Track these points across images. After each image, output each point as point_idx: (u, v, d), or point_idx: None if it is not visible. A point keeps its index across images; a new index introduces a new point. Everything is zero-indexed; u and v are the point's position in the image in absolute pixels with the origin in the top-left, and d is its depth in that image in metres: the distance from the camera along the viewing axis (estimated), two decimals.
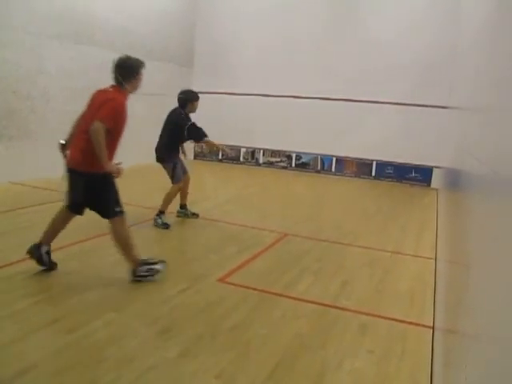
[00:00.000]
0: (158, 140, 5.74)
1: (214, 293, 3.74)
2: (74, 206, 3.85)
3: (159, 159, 5.70)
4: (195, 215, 6.00)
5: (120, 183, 3.82)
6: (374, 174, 10.46)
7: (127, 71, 3.78)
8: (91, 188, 3.66)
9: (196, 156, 12.07)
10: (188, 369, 2.67)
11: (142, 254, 4.41)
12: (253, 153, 11.48)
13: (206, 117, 11.42)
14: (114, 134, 3.62)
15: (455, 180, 3.80)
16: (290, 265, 4.55)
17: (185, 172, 5.86)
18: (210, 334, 3.07)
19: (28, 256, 3.83)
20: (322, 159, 10.85)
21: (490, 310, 1.15)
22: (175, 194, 5.70)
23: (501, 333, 0.97)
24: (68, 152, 3.75)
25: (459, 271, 2.16)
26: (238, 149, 11.58)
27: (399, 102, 9.87)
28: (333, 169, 10.78)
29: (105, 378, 2.54)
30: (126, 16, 9.17)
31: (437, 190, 9.37)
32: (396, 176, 10.28)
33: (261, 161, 11.43)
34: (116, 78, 3.76)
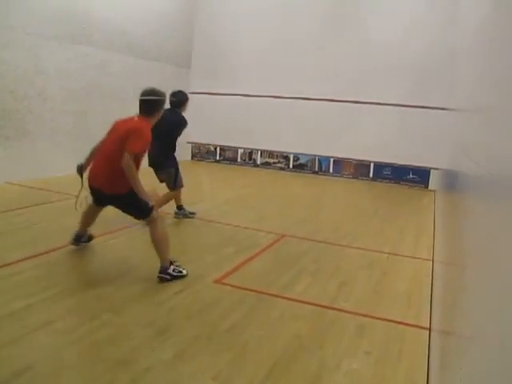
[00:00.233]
0: (155, 147, 5.32)
1: (211, 294, 3.74)
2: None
3: (158, 165, 5.59)
4: (193, 214, 6.01)
5: None
6: (371, 175, 10.47)
7: (155, 106, 4.13)
8: (118, 203, 4.04)
9: (193, 156, 12.07)
10: (185, 370, 2.67)
11: (141, 255, 4.42)
12: (250, 154, 11.48)
13: (203, 117, 11.50)
14: (139, 156, 3.92)
15: (452, 181, 3.81)
16: (287, 266, 4.55)
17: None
18: (206, 336, 3.07)
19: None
20: (319, 160, 10.86)
21: (485, 312, 1.15)
22: (171, 199, 5.70)
23: (496, 334, 0.97)
24: (90, 173, 4.07)
25: (456, 272, 2.16)
26: (235, 149, 11.58)
27: (397, 103, 9.89)
28: (330, 170, 10.79)
29: (101, 380, 2.53)
30: (124, 16, 9.16)
31: (434, 191, 9.39)
32: (394, 177, 10.29)
33: (258, 162, 11.43)
34: (145, 112, 4.05)
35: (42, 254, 4.33)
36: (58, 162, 7.42)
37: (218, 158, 11.82)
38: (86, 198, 4.27)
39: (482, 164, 1.63)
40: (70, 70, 8.12)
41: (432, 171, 9.85)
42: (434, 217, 7.03)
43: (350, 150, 10.45)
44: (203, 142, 11.88)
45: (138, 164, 3.88)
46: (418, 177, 10.11)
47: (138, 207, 3.91)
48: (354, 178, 10.56)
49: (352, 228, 6.32)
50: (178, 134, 5.77)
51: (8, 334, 2.91)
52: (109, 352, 2.80)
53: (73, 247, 4.49)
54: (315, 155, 10.85)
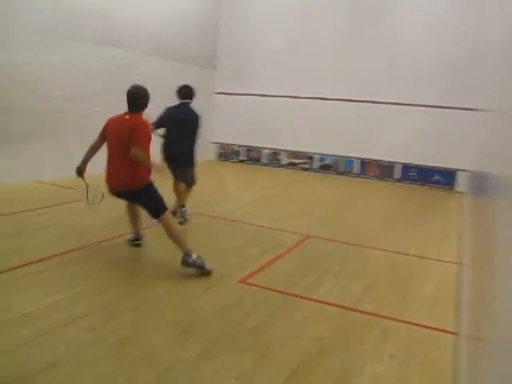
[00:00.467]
0: (176, 143, 5.54)
1: (235, 294, 3.75)
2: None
3: (184, 163, 5.63)
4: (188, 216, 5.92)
5: None
6: (397, 176, 10.35)
7: (146, 101, 4.35)
8: (140, 199, 4.28)
9: (218, 156, 12.12)
10: (208, 369, 2.68)
11: (165, 254, 4.46)
12: (275, 154, 11.47)
13: (228, 118, 11.55)
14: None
15: (481, 183, 3.73)
16: (311, 267, 4.53)
17: None
18: (230, 335, 3.08)
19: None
20: (344, 161, 10.79)
21: None
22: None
23: None
24: (109, 180, 4.27)
25: (486, 277, 2.12)
26: (260, 150, 11.59)
27: (424, 103, 9.76)
28: (356, 171, 10.70)
29: (125, 377, 2.57)
30: (150, 18, 9.29)
31: (461, 193, 9.23)
32: (419, 179, 10.15)
33: (283, 162, 11.41)
34: (137, 107, 4.27)
35: (69, 252, 4.42)
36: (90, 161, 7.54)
37: (242, 158, 11.84)
38: (95, 195, 4.41)
39: None
40: (98, 71, 8.26)
41: (459, 173, 9.69)
42: (461, 219, 6.90)
43: (375, 151, 10.35)
44: (228, 142, 11.93)
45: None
46: (444, 178, 9.95)
47: (155, 203, 4.20)
48: (379, 179, 10.46)
49: (377, 229, 6.25)
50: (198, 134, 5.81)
51: (35, 330, 2.98)
52: (133, 349, 2.83)
53: (97, 245, 4.56)
54: (341, 156, 10.78)
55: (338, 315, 3.52)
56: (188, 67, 10.48)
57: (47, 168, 7.29)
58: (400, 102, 9.93)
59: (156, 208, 4.19)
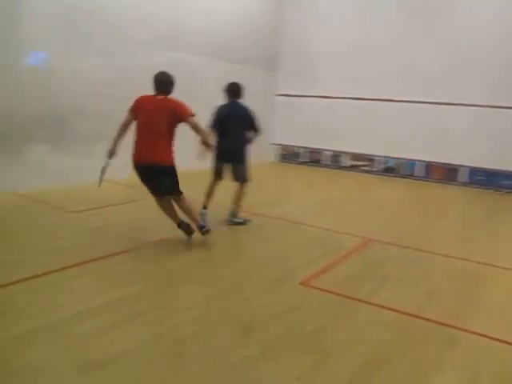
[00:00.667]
0: (227, 140, 5.58)
1: (296, 295, 3.78)
2: (158, 192, 4.78)
3: (237, 160, 5.67)
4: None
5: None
6: (463, 179, 9.97)
7: (172, 86, 4.71)
8: (165, 175, 4.58)
9: (280, 158, 12.17)
10: (268, 369, 2.71)
11: (227, 253, 4.58)
12: (336, 156, 11.38)
13: (289, 119, 11.58)
14: None
15: None
16: (372, 271, 4.48)
17: None
18: (291, 336, 3.11)
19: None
20: (408, 163, 10.52)
21: None
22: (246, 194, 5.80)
23: None
24: (138, 154, 4.58)
25: None
26: (321, 151, 11.54)
27: (492, 104, 9.33)
28: (419, 174, 10.41)
29: (185, 373, 2.64)
30: (213, 22, 9.50)
31: None
32: (488, 183, 9.71)
33: (344, 164, 11.30)
34: (167, 92, 4.65)
35: (137, 248, 4.63)
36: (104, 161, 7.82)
37: (303, 159, 11.83)
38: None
39: None
40: None
41: None
42: None
43: (439, 154, 10.02)
44: (289, 143, 11.96)
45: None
46: None
47: (176, 182, 4.65)
48: (443, 182, 10.11)
49: (441, 234, 6.07)
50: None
51: (103, 322, 3.14)
52: (194, 347, 2.91)
53: (158, 244, 4.78)
54: (403, 158, 10.52)
55: (400, 321, 3.46)
56: (249, 69, 10.59)
57: (114, 167, 7.60)
58: (466, 102, 9.55)
59: (177, 186, 4.65)
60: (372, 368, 2.80)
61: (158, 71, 4.69)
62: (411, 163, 10.45)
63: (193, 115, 4.49)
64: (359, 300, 3.76)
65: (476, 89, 9.42)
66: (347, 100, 10.88)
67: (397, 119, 10.31)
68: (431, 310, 3.68)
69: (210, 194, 5.76)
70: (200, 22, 9.17)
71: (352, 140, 10.94)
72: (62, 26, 6.90)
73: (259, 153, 11.26)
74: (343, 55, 10.84)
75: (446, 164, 10.07)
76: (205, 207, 5.69)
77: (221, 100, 5.76)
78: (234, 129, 5.59)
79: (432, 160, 10.19)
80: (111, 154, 4.75)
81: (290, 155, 12.02)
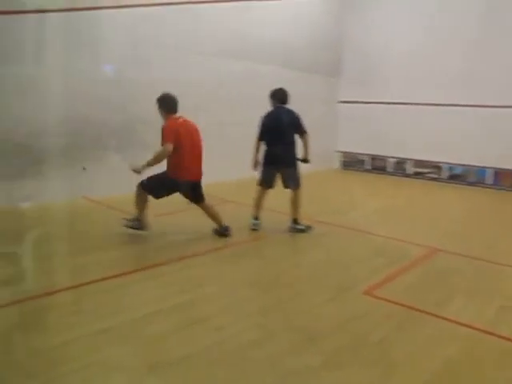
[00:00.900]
0: (278, 145, 5.57)
1: (360, 305, 3.72)
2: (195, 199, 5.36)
3: (289, 164, 5.65)
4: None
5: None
6: None
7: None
8: (200, 187, 5.30)
9: (343, 165, 12.05)
10: (330, 379, 2.69)
11: (290, 260, 4.60)
12: (401, 163, 11.11)
13: (352, 126, 11.45)
14: None
15: None
16: (439, 282, 4.33)
17: None
18: (354, 347, 3.06)
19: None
20: (476, 171, 10.08)
21: None
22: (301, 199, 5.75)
23: None
24: (194, 173, 5.20)
25: None
26: (385, 159, 11.31)
27: None
28: (488, 181, 9.94)
29: (249, 377, 2.68)
30: (278, 31, 9.60)
31: None
32: None
33: (409, 171, 11.00)
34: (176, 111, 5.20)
35: (201, 254, 4.75)
36: (218, 169, 8.01)
37: (367, 167, 11.65)
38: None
39: None
40: (229, 83, 8.73)
41: None
42: None
43: (510, 160, 9.53)
44: (352, 150, 11.81)
45: None
46: None
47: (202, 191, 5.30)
48: None
49: None
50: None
51: (173, 324, 3.25)
52: (258, 352, 2.94)
53: (224, 249, 4.89)
54: (471, 165, 10.09)
55: (470, 337, 3.30)
56: (312, 76, 10.60)
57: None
58: None
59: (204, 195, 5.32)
60: None
61: (164, 92, 5.19)
62: (480, 170, 10.00)
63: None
64: (426, 312, 3.64)
65: None
66: (411, 105, 10.60)
67: (464, 125, 9.88)
68: (505, 326, 3.48)
69: (259, 204, 5.77)
70: (264, 33, 9.29)
71: (417, 147, 10.63)
72: (132, 39, 7.23)
73: (323, 160, 11.26)
74: (407, 60, 10.57)
75: None
76: (256, 218, 5.73)
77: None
78: (284, 133, 5.59)
79: (502, 167, 9.70)
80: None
81: (353, 162, 11.87)
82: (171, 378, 2.64)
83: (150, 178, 5.06)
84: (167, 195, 5.18)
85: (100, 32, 6.83)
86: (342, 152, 11.94)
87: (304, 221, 5.79)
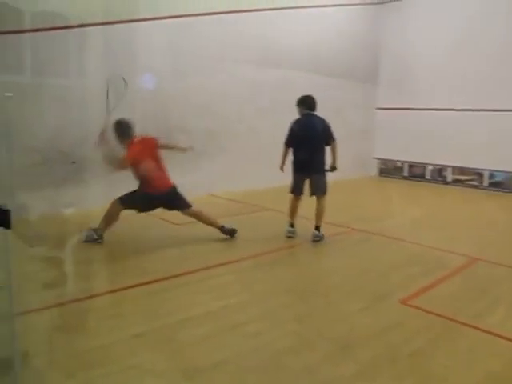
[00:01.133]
0: (307, 152, 5.57)
1: (395, 314, 3.67)
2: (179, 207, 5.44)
3: (318, 170, 5.63)
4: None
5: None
6: None
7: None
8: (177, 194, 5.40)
9: (380, 173, 11.90)
10: None
11: (321, 268, 4.57)
12: (440, 170, 10.88)
13: (390, 133, 11.30)
14: None
15: None
16: (479, 293, 4.21)
17: None
18: (388, 357, 3.02)
19: None
20: None
21: None
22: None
23: None
24: (162, 186, 5.27)
25: None
26: (423, 166, 11.10)
27: None
28: None
29: None
30: (311, 38, 9.62)
31: None
32: None
33: (448, 179, 10.75)
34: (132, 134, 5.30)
35: (236, 261, 4.79)
36: (255, 176, 8.07)
37: (405, 174, 11.46)
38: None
39: None
40: (262, 90, 8.82)
41: None
42: None
43: None
44: (390, 157, 11.65)
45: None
46: None
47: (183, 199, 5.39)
48: None
49: None
50: None
51: (206, 330, 3.29)
52: (292, 360, 2.93)
53: (263, 258, 4.88)
54: None
55: None
56: (349, 83, 10.54)
57: (218, 182, 7.95)
58: None
59: (187, 202, 5.43)
60: None
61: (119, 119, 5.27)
62: None
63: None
64: (464, 324, 3.55)
65: None
66: (451, 112, 10.37)
67: (506, 131, 9.61)
68: None
69: (294, 212, 5.76)
70: (298, 40, 9.33)
71: (457, 153, 10.38)
72: (170, 50, 7.41)
73: (360, 167, 11.16)
74: (444, 65, 10.36)
75: None
76: (292, 225, 5.73)
77: (322, 113, 5.77)
78: (313, 141, 5.59)
79: None
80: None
81: (391, 169, 11.71)
82: (205, 383, 2.68)
83: (128, 195, 5.23)
84: (150, 210, 5.41)
85: (136, 43, 7.05)
86: (379, 159, 11.80)
87: (340, 228, 5.75)
